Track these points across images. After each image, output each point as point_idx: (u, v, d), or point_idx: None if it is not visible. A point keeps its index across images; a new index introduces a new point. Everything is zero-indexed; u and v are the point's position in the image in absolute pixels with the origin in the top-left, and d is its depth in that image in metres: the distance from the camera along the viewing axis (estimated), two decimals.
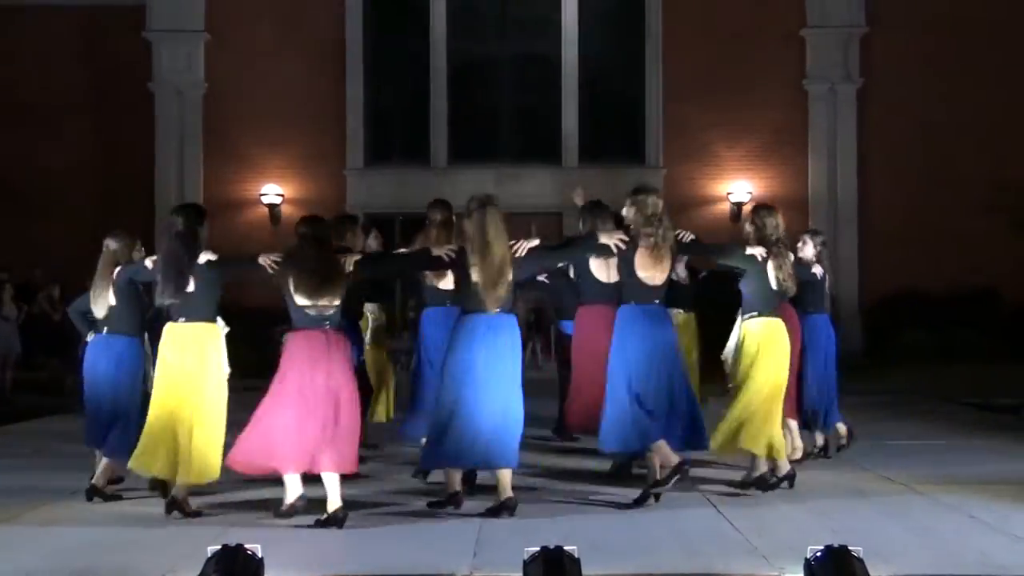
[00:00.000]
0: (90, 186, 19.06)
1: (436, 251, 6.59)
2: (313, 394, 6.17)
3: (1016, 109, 18.84)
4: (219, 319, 6.68)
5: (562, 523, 6.13)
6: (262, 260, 6.45)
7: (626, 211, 6.75)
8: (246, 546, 4.74)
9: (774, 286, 6.94)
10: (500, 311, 6.34)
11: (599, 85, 19.91)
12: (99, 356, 7.06)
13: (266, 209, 19.05)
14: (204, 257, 6.63)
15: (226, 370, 6.64)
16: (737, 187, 19.02)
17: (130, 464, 6.61)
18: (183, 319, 6.49)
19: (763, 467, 6.97)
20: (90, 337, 7.19)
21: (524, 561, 4.70)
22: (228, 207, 19.10)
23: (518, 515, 6.30)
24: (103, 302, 7.04)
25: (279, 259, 6.37)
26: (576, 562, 4.65)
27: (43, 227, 18.47)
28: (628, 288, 6.68)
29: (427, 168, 19.46)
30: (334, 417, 6.17)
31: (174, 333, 6.50)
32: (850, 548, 4.67)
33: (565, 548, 4.70)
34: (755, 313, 6.95)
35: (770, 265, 6.92)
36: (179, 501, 6.38)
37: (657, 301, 6.68)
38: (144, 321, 7.15)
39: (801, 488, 7.06)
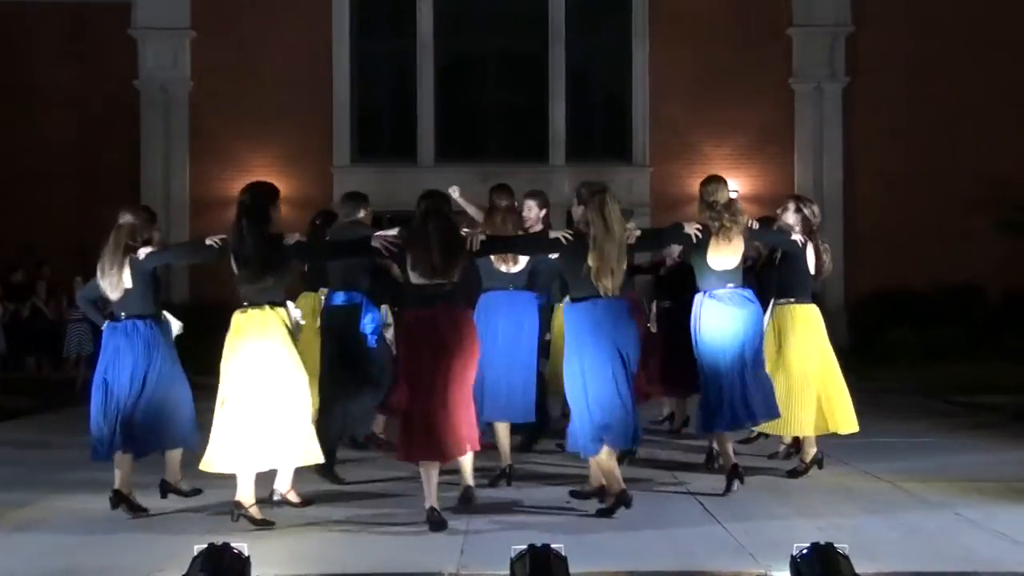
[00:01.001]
0: (75, 184, 18.97)
1: (555, 234, 6.54)
2: (437, 375, 6.04)
3: (1001, 108, 18.95)
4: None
5: (549, 521, 6.12)
6: (376, 242, 6.26)
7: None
8: (232, 545, 4.72)
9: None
10: (615, 296, 6.34)
11: (586, 84, 19.93)
12: (121, 343, 6.56)
13: None
14: (293, 238, 6.47)
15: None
16: None
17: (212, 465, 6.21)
18: (256, 306, 6.19)
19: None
20: (104, 325, 6.72)
21: (511, 559, 4.69)
22: (214, 205, 19.02)
23: (504, 513, 6.30)
24: (117, 284, 6.54)
25: (396, 237, 6.21)
26: (563, 560, 4.65)
27: (26, 224, 18.37)
28: (703, 275, 6.88)
29: (414, 166, 19.44)
30: (456, 396, 6.13)
31: (250, 320, 6.20)
32: (836, 545, 4.68)
33: (552, 546, 4.71)
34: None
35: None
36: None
37: (731, 285, 6.86)
38: (161, 302, 6.85)
39: (787, 486, 7.09)
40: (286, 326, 6.26)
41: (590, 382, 6.25)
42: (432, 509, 5.96)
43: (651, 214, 18.74)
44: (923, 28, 18.95)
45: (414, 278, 6.16)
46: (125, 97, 19.06)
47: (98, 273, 6.62)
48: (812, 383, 7.28)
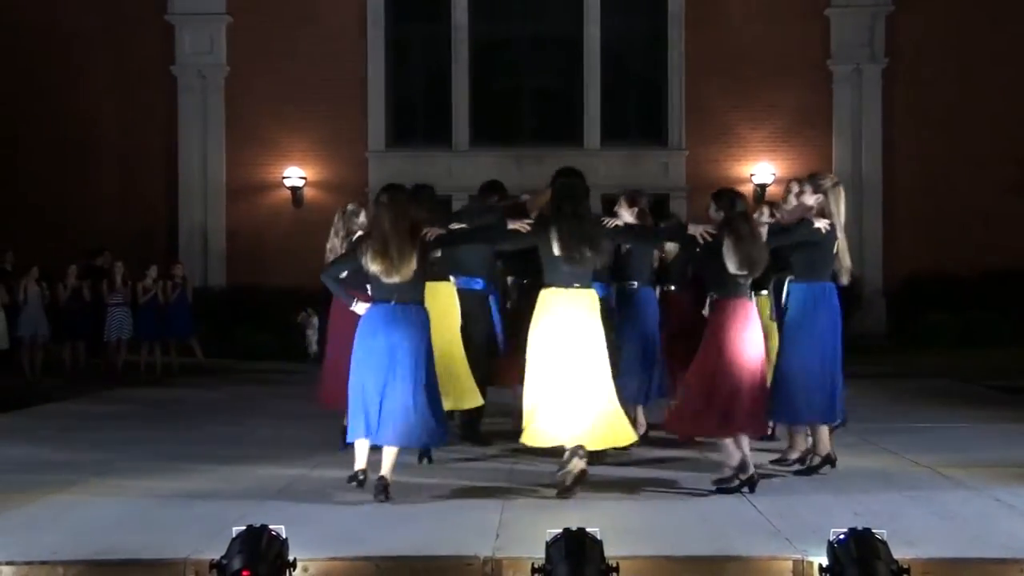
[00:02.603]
0: (113, 169, 19.17)
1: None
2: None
3: None
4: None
5: (584, 506, 6.13)
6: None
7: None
8: (270, 527, 4.76)
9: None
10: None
11: (621, 66, 19.80)
12: (392, 326, 6.28)
13: (289, 192, 19.10)
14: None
15: None
16: (760, 169, 18.92)
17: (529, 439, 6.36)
18: (577, 285, 6.33)
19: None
20: (358, 307, 6.51)
21: (546, 543, 4.70)
22: (250, 190, 19.19)
23: (541, 497, 6.32)
24: (406, 269, 6.24)
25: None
26: (598, 544, 4.66)
27: (64, 210, 18.59)
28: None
29: (448, 150, 19.44)
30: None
31: (559, 298, 6.30)
32: (874, 531, 4.65)
33: (587, 530, 4.71)
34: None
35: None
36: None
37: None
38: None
39: (824, 471, 7.03)
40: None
41: None
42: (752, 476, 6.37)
43: (687, 197, 18.65)
44: (963, 8, 18.66)
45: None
46: (162, 83, 19.20)
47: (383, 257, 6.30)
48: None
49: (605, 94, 19.45)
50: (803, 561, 5.00)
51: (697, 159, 19.11)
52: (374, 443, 6.34)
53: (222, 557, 4.63)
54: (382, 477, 6.25)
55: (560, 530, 4.70)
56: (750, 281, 6.59)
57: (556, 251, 6.28)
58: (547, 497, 6.35)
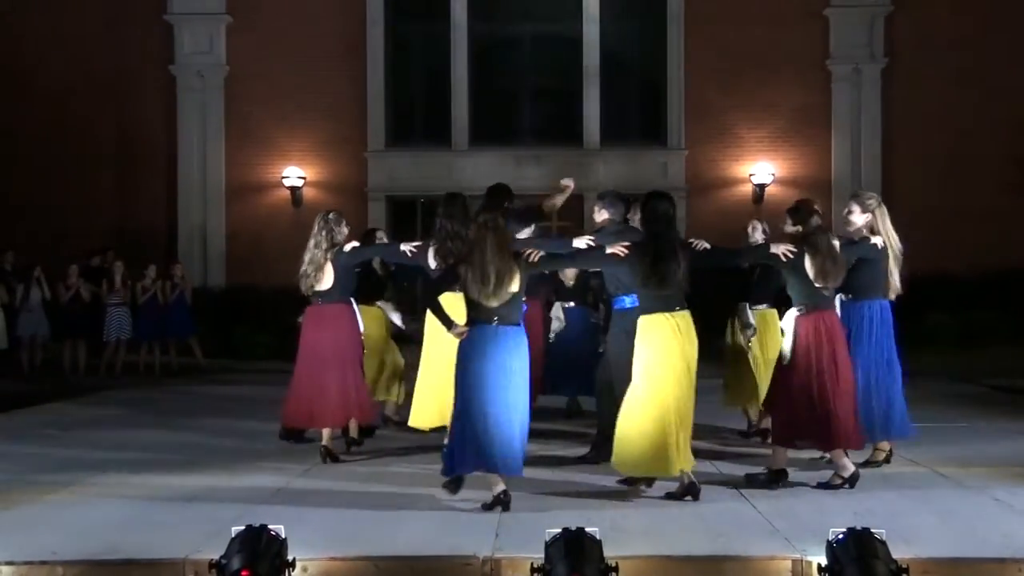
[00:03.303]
0: (112, 169, 19.16)
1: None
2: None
3: None
4: None
5: (583, 506, 6.13)
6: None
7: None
8: (270, 526, 4.77)
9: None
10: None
11: (620, 67, 19.79)
12: (493, 349, 6.27)
13: (288, 192, 19.10)
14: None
15: None
16: (759, 168, 18.91)
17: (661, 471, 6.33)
18: (678, 308, 6.37)
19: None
20: (456, 331, 6.38)
21: (546, 543, 4.71)
22: (250, 190, 19.19)
23: (540, 497, 6.32)
24: (506, 292, 6.28)
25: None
26: (597, 544, 4.66)
27: (63, 210, 18.58)
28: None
29: (448, 150, 19.43)
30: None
31: (671, 322, 6.32)
32: (873, 531, 4.66)
33: (586, 530, 4.71)
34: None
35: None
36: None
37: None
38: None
39: (823, 471, 7.03)
40: None
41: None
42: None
43: (687, 198, 18.65)
44: (962, 7, 18.64)
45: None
46: (161, 83, 19.20)
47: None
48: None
49: (604, 94, 19.44)
50: (802, 561, 5.01)
51: (696, 159, 19.11)
52: (479, 471, 6.20)
53: (221, 557, 4.64)
54: (505, 492, 6.10)
55: (559, 530, 4.71)
56: (834, 293, 6.73)
57: (652, 275, 6.30)
58: (548, 496, 6.36)
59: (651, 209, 6.51)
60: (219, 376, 14.48)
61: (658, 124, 19.53)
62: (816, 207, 6.98)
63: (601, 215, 7.35)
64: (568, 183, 8.13)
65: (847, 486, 6.52)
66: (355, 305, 7.79)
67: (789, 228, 6.93)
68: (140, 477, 7.11)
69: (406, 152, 19.44)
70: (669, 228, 6.45)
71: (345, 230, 7.69)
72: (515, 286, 6.21)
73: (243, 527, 4.76)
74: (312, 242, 7.60)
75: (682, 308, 6.40)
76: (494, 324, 6.20)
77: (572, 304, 9.70)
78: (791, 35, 18.83)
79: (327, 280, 7.55)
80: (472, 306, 6.27)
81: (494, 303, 6.17)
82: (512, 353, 6.21)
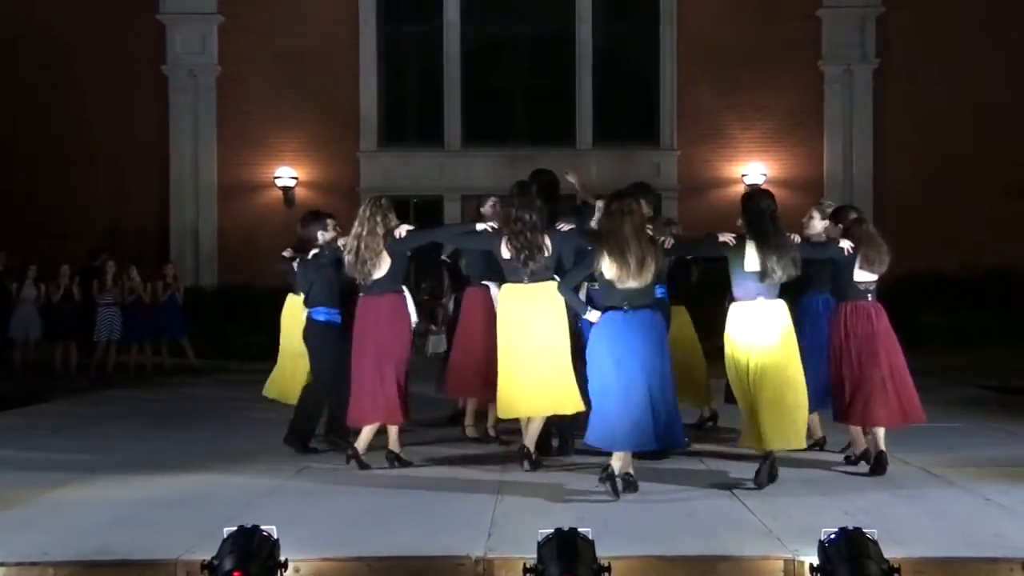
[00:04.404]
0: (104, 168, 19.10)
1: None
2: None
3: None
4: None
5: (576, 506, 6.13)
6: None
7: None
8: (262, 527, 4.76)
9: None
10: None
11: (613, 66, 19.82)
12: (630, 332, 6.49)
13: (280, 192, 19.07)
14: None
15: None
16: (751, 169, 18.94)
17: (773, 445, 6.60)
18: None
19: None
20: (591, 315, 6.59)
21: (538, 543, 4.70)
22: (242, 189, 19.16)
23: (533, 497, 6.32)
24: (644, 276, 6.53)
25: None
26: (590, 544, 4.66)
27: (55, 210, 18.52)
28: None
29: (440, 150, 19.43)
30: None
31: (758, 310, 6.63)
32: (864, 530, 4.66)
33: (579, 530, 4.71)
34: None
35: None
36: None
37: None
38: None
39: (815, 471, 7.05)
40: None
41: None
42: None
43: (678, 198, 18.67)
44: (953, 8, 18.70)
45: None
46: (153, 82, 19.15)
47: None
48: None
49: (597, 94, 19.45)
50: (794, 560, 5.01)
51: (689, 159, 19.13)
52: (617, 450, 6.32)
53: (213, 557, 4.63)
54: (629, 474, 6.37)
55: (552, 530, 4.70)
56: (874, 285, 7.25)
57: (752, 267, 6.60)
58: (540, 497, 6.35)
59: (754, 207, 6.79)
60: (212, 376, 14.44)
61: (651, 124, 19.56)
62: (853, 207, 7.63)
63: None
64: (572, 179, 8.23)
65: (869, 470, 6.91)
66: (407, 292, 7.55)
67: (831, 230, 7.46)
68: (132, 477, 7.09)
69: (398, 152, 19.44)
70: (774, 222, 6.70)
71: (394, 216, 7.45)
72: (654, 269, 6.38)
73: (235, 527, 4.75)
74: (364, 229, 7.23)
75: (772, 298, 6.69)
76: (625, 309, 6.33)
77: None
78: (783, 35, 18.87)
79: (383, 267, 7.27)
80: (604, 289, 6.41)
81: (633, 284, 6.29)
82: (645, 335, 6.32)
